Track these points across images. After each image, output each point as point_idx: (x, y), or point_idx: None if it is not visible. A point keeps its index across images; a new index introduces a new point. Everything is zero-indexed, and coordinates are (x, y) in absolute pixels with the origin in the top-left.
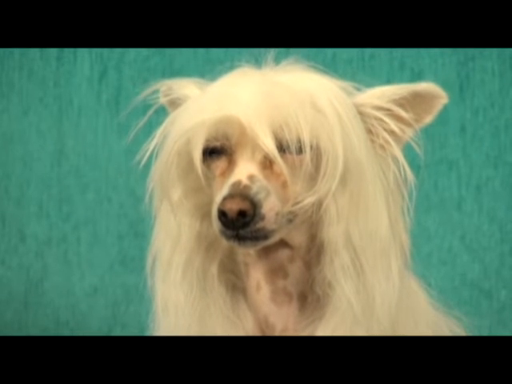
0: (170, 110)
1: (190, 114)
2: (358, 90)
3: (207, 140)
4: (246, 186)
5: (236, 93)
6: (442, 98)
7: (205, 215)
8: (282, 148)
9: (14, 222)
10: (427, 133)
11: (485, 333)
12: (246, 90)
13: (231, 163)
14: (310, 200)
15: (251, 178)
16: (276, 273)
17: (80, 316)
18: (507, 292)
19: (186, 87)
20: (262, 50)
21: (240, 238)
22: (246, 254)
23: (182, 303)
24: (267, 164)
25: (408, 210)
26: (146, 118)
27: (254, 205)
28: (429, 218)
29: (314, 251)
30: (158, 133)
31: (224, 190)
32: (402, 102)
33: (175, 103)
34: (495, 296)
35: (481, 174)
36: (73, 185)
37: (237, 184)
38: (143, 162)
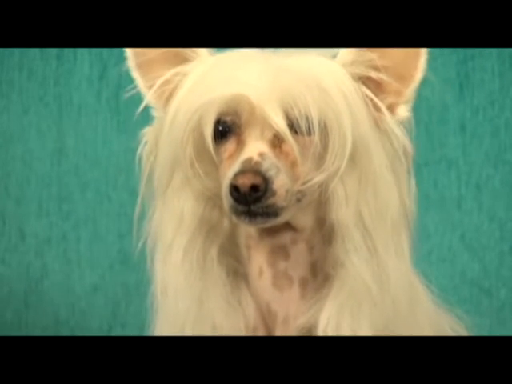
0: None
1: (199, 93)
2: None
3: (218, 116)
4: (257, 163)
5: (244, 73)
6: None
7: (209, 199)
8: (292, 128)
9: (14, 220)
10: (427, 132)
11: (485, 331)
12: (254, 71)
13: (240, 144)
14: (319, 179)
15: (262, 155)
16: (277, 254)
17: (80, 315)
18: (507, 291)
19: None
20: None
21: (251, 214)
22: (248, 236)
23: (181, 285)
24: (276, 143)
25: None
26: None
27: (266, 180)
28: (428, 216)
29: (321, 234)
30: (173, 107)
31: (235, 167)
32: (375, 51)
33: (179, 55)
34: (495, 294)
35: (480, 173)
36: (73, 183)
37: (248, 160)
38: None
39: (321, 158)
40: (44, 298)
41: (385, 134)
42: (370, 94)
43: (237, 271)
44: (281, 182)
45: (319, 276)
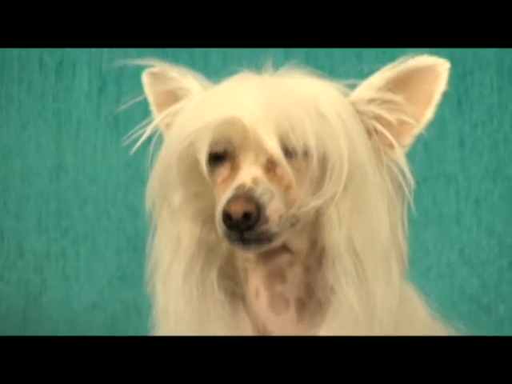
0: (159, 108)
1: (191, 117)
2: (353, 88)
3: (211, 144)
4: (250, 189)
5: (239, 96)
6: (442, 63)
7: (205, 220)
8: (287, 152)
9: (13, 236)
10: (425, 147)
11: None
12: (249, 93)
13: (234, 168)
14: (314, 204)
15: (255, 180)
16: (274, 277)
17: (79, 331)
18: (506, 306)
19: (187, 81)
20: (260, 61)
21: (244, 241)
22: (246, 259)
23: (181, 309)
24: (270, 167)
25: (407, 214)
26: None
27: (259, 207)
28: (427, 232)
29: (315, 256)
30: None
31: (228, 193)
32: (395, 85)
33: (171, 95)
34: (494, 310)
35: (479, 188)
36: (72, 199)
37: (241, 186)
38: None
39: (317, 183)
40: (43, 315)
41: (385, 165)
42: (380, 128)
43: (234, 292)
44: (274, 208)
45: (314, 297)
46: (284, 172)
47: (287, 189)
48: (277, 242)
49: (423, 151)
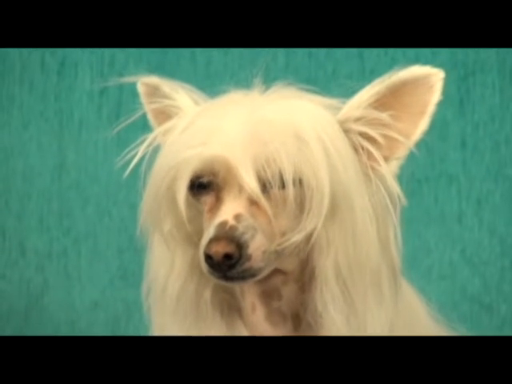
0: (156, 120)
1: (177, 149)
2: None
3: (194, 176)
4: (231, 227)
5: (223, 128)
6: (436, 73)
7: (197, 243)
8: (265, 186)
9: (15, 235)
10: (427, 147)
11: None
12: (233, 126)
13: (218, 200)
14: (296, 238)
15: (237, 217)
16: (270, 295)
17: (80, 331)
18: (508, 306)
19: (178, 97)
20: (258, 63)
21: (228, 278)
22: None
23: (176, 333)
24: (254, 200)
25: (399, 231)
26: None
27: (240, 246)
28: (429, 231)
29: (307, 276)
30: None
31: (210, 231)
32: (385, 104)
33: (164, 112)
34: (496, 310)
35: (481, 188)
36: (73, 199)
37: (223, 225)
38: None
39: (301, 212)
40: (44, 314)
41: (374, 183)
42: (367, 145)
43: (230, 304)
44: (257, 245)
45: (308, 310)
46: (264, 205)
47: (270, 220)
48: (262, 275)
49: (425, 151)
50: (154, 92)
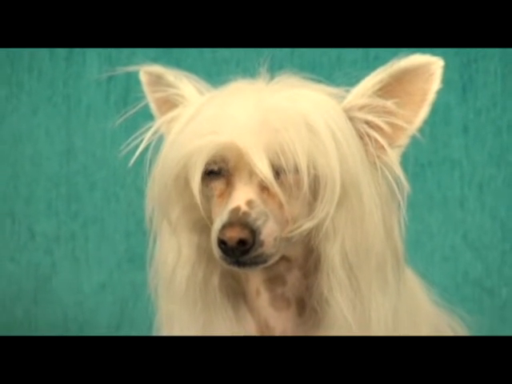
0: (159, 109)
1: (187, 138)
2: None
3: (206, 164)
4: (244, 213)
5: (232, 116)
6: (435, 61)
7: (203, 229)
8: (278, 172)
9: (24, 219)
10: (431, 133)
11: (486, 330)
12: (242, 113)
13: (229, 185)
14: (309, 225)
15: (250, 203)
16: (275, 281)
17: (88, 312)
18: (509, 289)
19: (183, 86)
20: (264, 51)
21: (240, 264)
22: None
23: (186, 318)
24: (264, 186)
25: (403, 217)
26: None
27: (254, 232)
28: (432, 216)
29: (312, 262)
30: (161, 156)
31: (223, 217)
32: (389, 91)
33: (168, 101)
34: (497, 293)
35: (483, 173)
36: (81, 183)
37: (236, 210)
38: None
39: (310, 204)
40: (53, 296)
41: (380, 170)
42: (373, 133)
43: (235, 290)
44: (269, 231)
45: (314, 296)
46: (276, 191)
47: (281, 206)
48: (272, 261)
49: (428, 136)
50: (157, 81)
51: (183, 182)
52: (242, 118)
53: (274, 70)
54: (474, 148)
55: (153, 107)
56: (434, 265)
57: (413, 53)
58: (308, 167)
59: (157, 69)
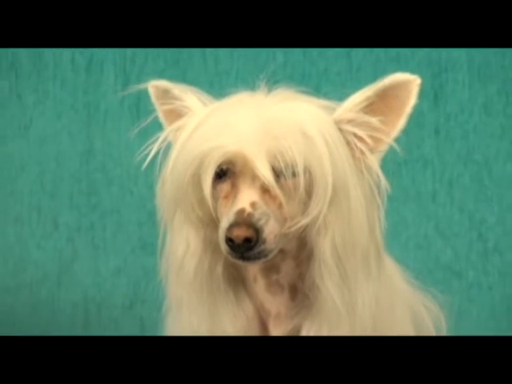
0: (167, 119)
1: (196, 143)
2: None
3: (218, 167)
4: (249, 214)
5: (236, 125)
6: (414, 79)
7: (209, 223)
8: (278, 175)
9: (49, 212)
10: (406, 135)
11: (454, 308)
12: (245, 123)
13: (234, 187)
14: (304, 222)
15: (253, 205)
16: (270, 269)
17: (105, 293)
18: (475, 273)
19: (188, 98)
20: (261, 64)
21: (245, 258)
22: None
23: (194, 302)
24: (265, 189)
25: (382, 214)
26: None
27: (257, 231)
28: (406, 208)
29: (304, 254)
30: (172, 159)
31: (230, 217)
32: (374, 107)
33: (174, 112)
34: (464, 276)
35: (452, 171)
36: (99, 180)
37: (241, 212)
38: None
39: (305, 203)
40: (74, 279)
41: (364, 174)
42: (357, 143)
43: (236, 277)
44: (270, 229)
45: (305, 283)
46: (277, 193)
47: (280, 206)
48: (273, 255)
49: (404, 138)
50: (164, 94)
51: (192, 183)
52: (246, 127)
53: (268, 78)
54: (445, 148)
55: (161, 117)
56: (409, 252)
57: (393, 63)
58: (304, 170)
59: (164, 83)
